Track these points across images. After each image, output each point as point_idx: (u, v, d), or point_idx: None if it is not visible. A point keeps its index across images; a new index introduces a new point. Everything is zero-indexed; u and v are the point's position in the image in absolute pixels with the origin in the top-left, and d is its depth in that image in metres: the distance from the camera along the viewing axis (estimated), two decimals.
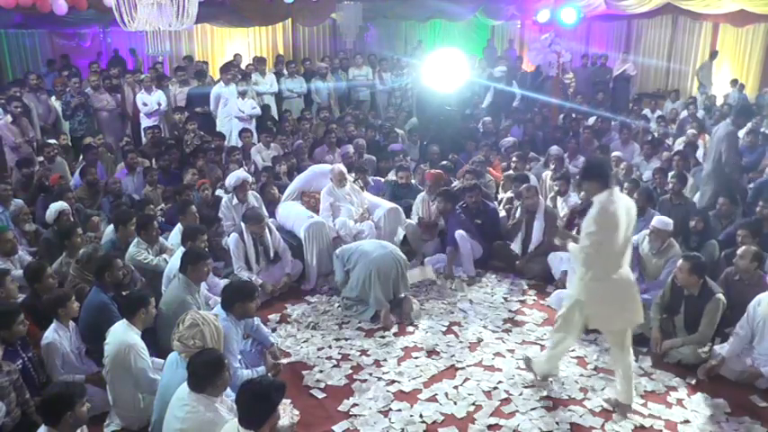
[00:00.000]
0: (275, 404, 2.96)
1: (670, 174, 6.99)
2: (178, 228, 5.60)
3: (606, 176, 3.91)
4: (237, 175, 6.45)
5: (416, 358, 4.74)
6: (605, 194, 3.86)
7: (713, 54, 12.81)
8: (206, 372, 3.18)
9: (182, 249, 4.88)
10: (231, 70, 9.80)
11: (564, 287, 5.52)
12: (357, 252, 5.45)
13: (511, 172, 7.53)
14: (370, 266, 5.25)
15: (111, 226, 5.60)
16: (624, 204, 3.94)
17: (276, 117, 10.15)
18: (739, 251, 4.79)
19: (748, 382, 4.35)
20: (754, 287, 4.66)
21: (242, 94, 9.28)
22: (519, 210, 6.50)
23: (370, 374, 4.52)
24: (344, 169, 6.65)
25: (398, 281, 5.36)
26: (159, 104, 9.28)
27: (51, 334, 3.99)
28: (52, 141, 7.94)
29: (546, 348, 4.54)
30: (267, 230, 5.77)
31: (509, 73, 11.80)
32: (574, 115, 10.29)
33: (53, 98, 8.99)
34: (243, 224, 5.73)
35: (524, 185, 6.42)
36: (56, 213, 5.61)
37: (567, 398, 4.25)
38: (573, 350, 4.83)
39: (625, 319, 4.09)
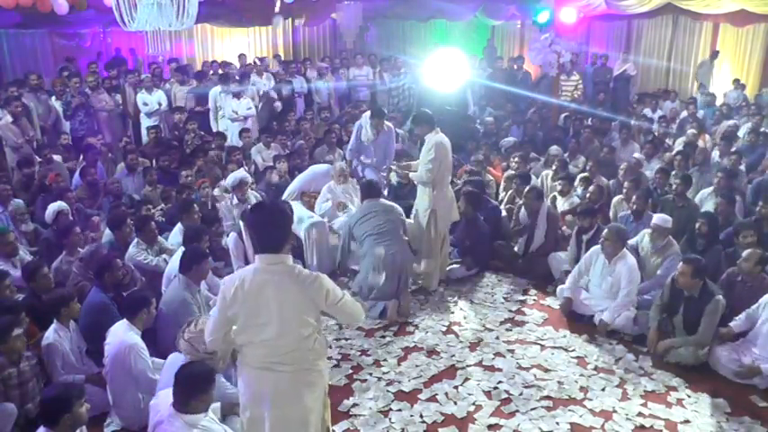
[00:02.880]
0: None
1: (672, 174, 6.96)
2: (178, 228, 5.60)
3: (431, 121, 5.59)
4: (237, 175, 6.44)
5: (416, 358, 4.74)
6: (433, 133, 5.51)
7: (714, 54, 12.78)
8: (191, 387, 3.09)
9: (182, 249, 4.87)
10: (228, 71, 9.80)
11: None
12: (368, 234, 5.42)
13: (511, 172, 7.52)
14: (378, 262, 5.29)
15: None
16: (444, 138, 5.55)
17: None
18: (744, 253, 4.74)
19: (747, 377, 4.35)
20: (756, 289, 4.65)
21: (237, 95, 9.27)
22: (522, 210, 6.49)
23: (370, 374, 4.52)
24: (346, 167, 6.66)
25: (402, 279, 5.40)
26: (159, 104, 9.28)
27: (52, 335, 3.99)
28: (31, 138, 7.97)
29: (423, 267, 5.83)
30: None
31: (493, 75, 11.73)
32: (576, 116, 10.26)
33: (53, 98, 8.99)
34: (242, 223, 5.73)
35: (528, 188, 6.40)
36: (54, 213, 5.61)
37: (566, 398, 4.25)
38: (573, 350, 4.85)
39: (453, 216, 5.81)
